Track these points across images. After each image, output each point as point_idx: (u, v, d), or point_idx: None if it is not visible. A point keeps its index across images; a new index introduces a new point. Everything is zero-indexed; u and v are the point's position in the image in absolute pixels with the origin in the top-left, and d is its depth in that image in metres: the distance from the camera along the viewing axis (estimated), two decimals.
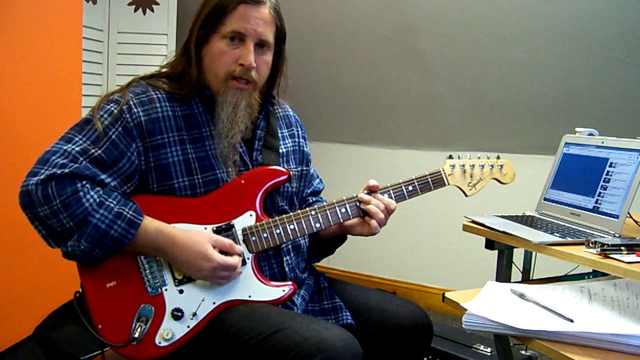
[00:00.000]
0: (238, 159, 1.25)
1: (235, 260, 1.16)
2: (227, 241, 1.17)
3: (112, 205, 1.10)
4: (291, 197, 1.35)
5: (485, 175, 1.40)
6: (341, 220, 1.28)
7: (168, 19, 2.64)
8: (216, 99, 1.24)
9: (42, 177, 1.08)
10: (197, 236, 1.16)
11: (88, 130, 1.15)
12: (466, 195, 1.40)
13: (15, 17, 1.82)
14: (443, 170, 1.36)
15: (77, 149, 1.12)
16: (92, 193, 1.10)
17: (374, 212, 1.27)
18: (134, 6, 2.63)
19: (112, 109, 1.18)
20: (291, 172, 1.33)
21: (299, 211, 1.25)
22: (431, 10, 2.53)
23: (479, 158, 1.40)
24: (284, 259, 1.28)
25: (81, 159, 1.12)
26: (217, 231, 1.20)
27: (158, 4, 2.64)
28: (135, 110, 1.18)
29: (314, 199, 1.48)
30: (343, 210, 1.28)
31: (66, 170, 1.09)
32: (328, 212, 1.26)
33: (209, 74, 1.24)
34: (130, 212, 1.11)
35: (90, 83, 2.46)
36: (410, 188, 1.33)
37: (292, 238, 1.24)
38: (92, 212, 1.08)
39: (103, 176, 1.13)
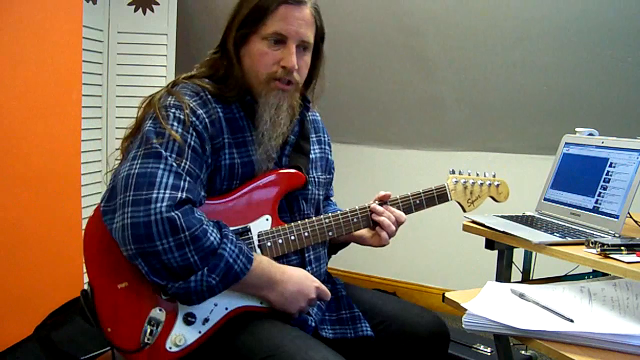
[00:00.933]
0: (272, 165, 1.23)
1: (325, 287, 1.19)
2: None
3: (233, 238, 1.08)
4: (317, 204, 1.34)
5: (483, 193, 1.43)
6: (352, 230, 1.29)
7: (168, 19, 2.64)
8: (257, 102, 1.21)
9: (164, 203, 1.00)
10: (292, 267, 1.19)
11: (167, 142, 1.08)
12: (464, 211, 1.43)
13: (15, 17, 1.82)
14: (447, 186, 1.38)
15: (173, 164, 1.06)
16: (211, 224, 1.06)
17: (386, 224, 1.28)
18: (134, 6, 2.62)
19: (178, 115, 1.12)
20: (318, 179, 1.33)
21: (313, 218, 1.25)
22: (433, 12, 2.53)
23: (477, 175, 1.43)
24: (306, 268, 1.24)
25: (183, 174, 1.06)
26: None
27: (158, 4, 2.63)
28: (200, 112, 1.14)
29: (325, 202, 1.48)
30: (355, 220, 1.28)
31: (182, 195, 1.03)
32: (342, 221, 1.27)
33: (250, 75, 1.21)
34: (245, 247, 1.10)
35: (90, 83, 2.45)
36: (418, 202, 1.35)
37: (305, 245, 1.23)
38: (221, 244, 1.05)
39: (202, 192, 1.11)
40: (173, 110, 1.12)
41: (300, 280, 1.15)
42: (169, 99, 1.15)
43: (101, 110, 2.54)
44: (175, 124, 1.11)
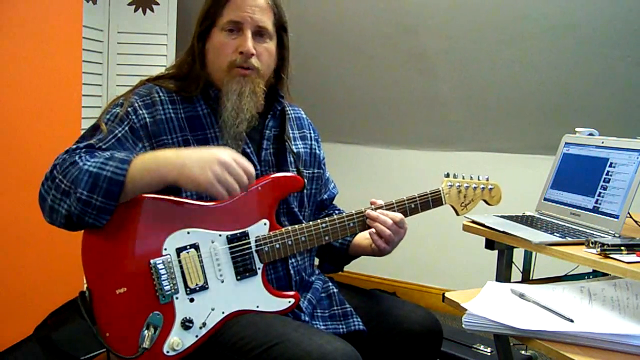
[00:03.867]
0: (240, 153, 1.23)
1: (250, 164, 1.11)
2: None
3: (104, 154, 1.09)
4: (301, 198, 1.34)
5: (476, 197, 1.43)
6: (349, 233, 1.29)
7: (168, 19, 2.64)
8: (221, 91, 1.24)
9: (48, 171, 1.10)
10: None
11: (96, 134, 1.16)
12: (457, 214, 1.42)
13: (15, 17, 1.82)
14: (442, 190, 1.38)
15: (82, 144, 1.13)
16: (87, 155, 1.10)
17: (380, 229, 1.27)
18: (134, 6, 2.63)
19: (117, 111, 1.19)
20: (301, 174, 1.33)
21: (310, 223, 1.25)
22: (433, 11, 2.53)
23: (472, 178, 1.43)
24: (289, 262, 1.26)
25: (88, 149, 1.13)
26: (231, 239, 1.17)
27: (158, 4, 2.64)
28: (141, 112, 1.19)
29: (330, 208, 1.49)
30: (352, 224, 1.28)
31: (71, 157, 1.10)
32: (338, 225, 1.27)
33: (214, 68, 1.25)
34: (122, 154, 1.09)
35: (90, 83, 2.46)
36: (413, 206, 1.34)
37: (301, 249, 1.24)
38: (84, 164, 1.07)
39: None
40: (116, 108, 1.20)
41: (202, 153, 1.09)
42: (121, 98, 1.23)
43: (101, 111, 2.54)
44: (111, 118, 1.18)
